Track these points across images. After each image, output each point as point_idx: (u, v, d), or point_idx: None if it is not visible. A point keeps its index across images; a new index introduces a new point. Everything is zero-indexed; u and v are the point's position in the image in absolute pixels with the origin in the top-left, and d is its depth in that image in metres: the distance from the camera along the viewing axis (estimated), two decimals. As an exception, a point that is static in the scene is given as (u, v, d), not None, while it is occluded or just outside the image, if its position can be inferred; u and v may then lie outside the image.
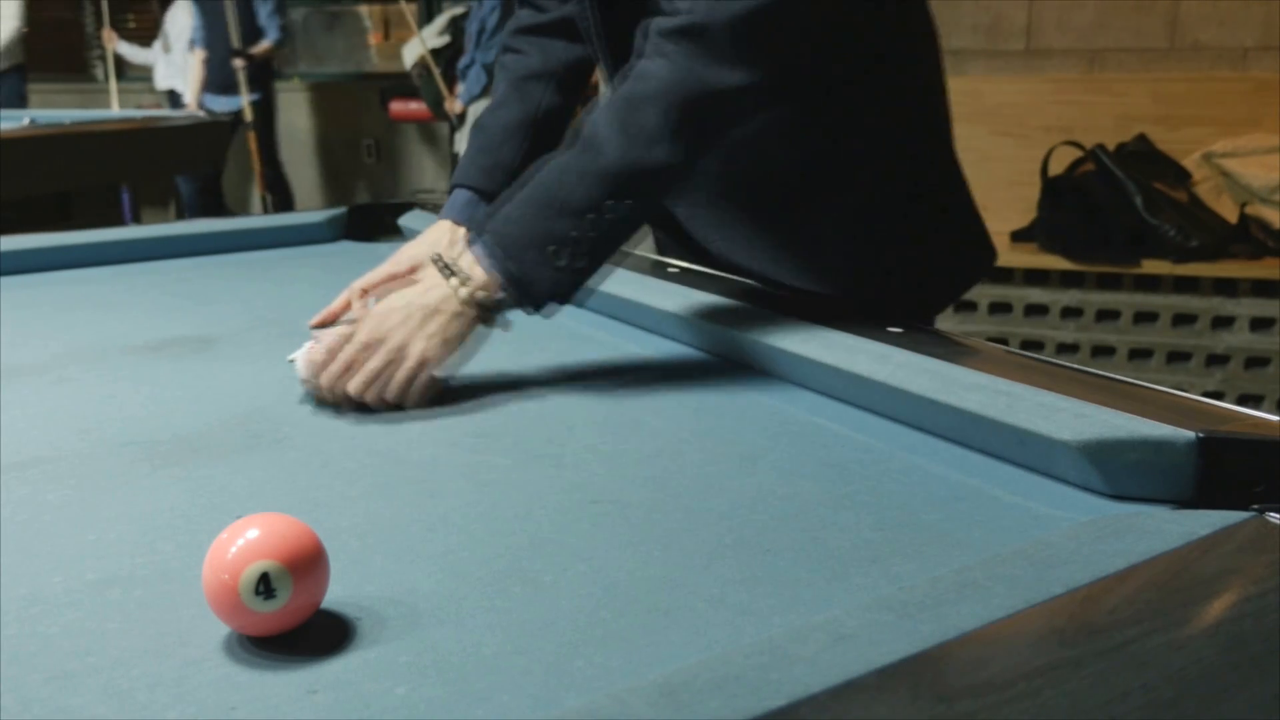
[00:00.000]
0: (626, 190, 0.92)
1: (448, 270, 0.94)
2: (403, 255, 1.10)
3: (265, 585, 0.54)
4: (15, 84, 5.54)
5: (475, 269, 0.93)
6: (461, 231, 1.11)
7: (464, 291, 0.93)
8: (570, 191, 0.92)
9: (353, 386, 0.91)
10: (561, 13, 1.22)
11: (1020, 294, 3.15)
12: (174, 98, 5.89)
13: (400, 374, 0.92)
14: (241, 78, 5.47)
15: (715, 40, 0.91)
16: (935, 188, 1.17)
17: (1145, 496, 0.71)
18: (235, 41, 5.39)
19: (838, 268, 1.14)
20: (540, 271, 0.92)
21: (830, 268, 1.13)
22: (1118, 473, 0.71)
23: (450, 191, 1.23)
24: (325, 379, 0.92)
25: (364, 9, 6.37)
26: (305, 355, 0.94)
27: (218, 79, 5.61)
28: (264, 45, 5.63)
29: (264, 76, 5.74)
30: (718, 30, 0.90)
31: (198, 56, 5.60)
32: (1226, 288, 2.98)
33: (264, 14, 5.61)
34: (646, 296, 1.13)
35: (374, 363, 0.91)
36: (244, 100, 5.48)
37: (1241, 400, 2.95)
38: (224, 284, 1.40)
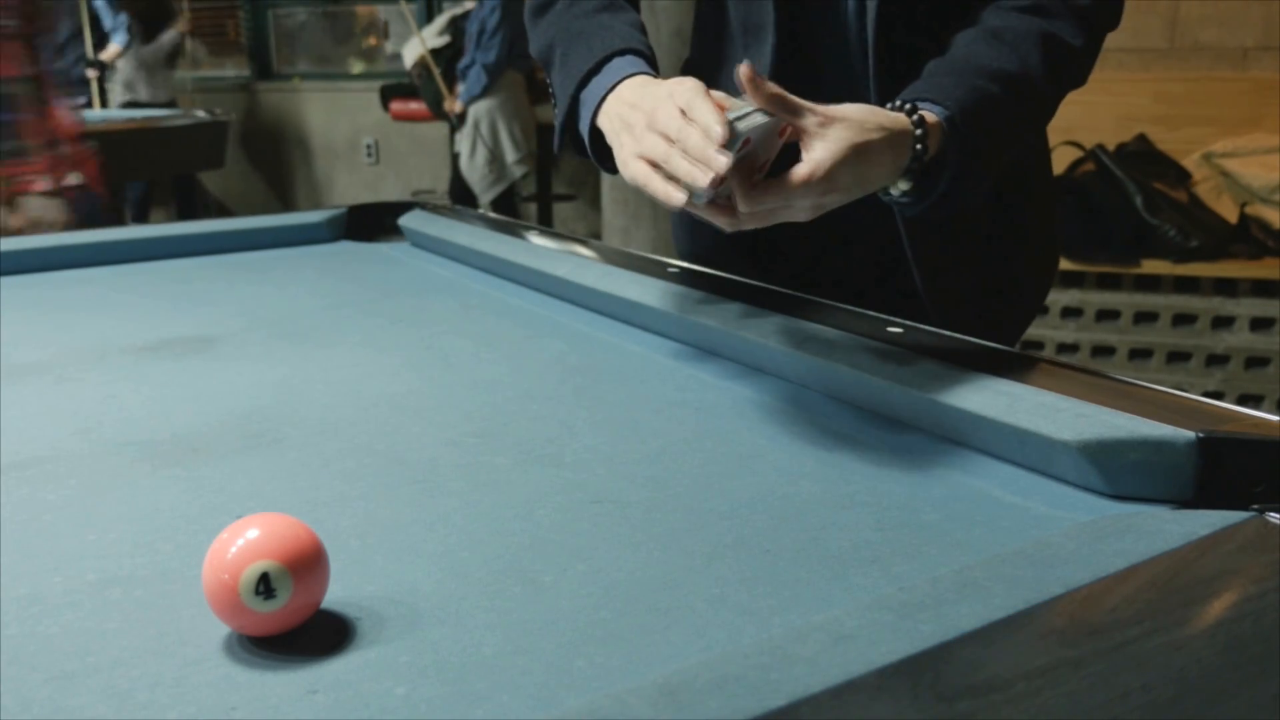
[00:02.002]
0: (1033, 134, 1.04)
1: (916, 127, 0.88)
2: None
3: (265, 585, 0.54)
4: None
5: (933, 133, 0.89)
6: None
7: (918, 149, 0.88)
8: (1016, 120, 0.98)
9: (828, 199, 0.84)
10: None
11: (1020, 294, 3.15)
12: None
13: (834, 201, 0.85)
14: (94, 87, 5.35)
15: (1106, 26, 1.02)
16: (1053, 186, 1.26)
17: (1145, 496, 0.71)
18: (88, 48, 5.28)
19: (1017, 276, 1.19)
20: (976, 173, 0.93)
21: (1013, 276, 1.19)
22: (1118, 473, 0.71)
23: (604, 61, 0.98)
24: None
25: (363, 9, 6.38)
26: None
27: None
28: (111, 50, 5.50)
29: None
30: (1111, 20, 1.02)
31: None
32: (1226, 288, 2.98)
33: (108, 19, 5.49)
34: (647, 296, 1.13)
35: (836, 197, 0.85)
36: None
37: (1241, 400, 2.95)
38: (224, 284, 1.40)
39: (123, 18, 5.53)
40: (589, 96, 0.97)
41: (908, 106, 0.89)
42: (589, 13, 1.06)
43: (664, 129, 0.82)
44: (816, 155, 0.81)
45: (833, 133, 0.82)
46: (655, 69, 0.98)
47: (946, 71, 0.94)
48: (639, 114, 0.86)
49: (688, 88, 0.83)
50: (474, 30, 4.76)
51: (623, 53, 0.98)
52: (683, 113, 0.82)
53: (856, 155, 0.82)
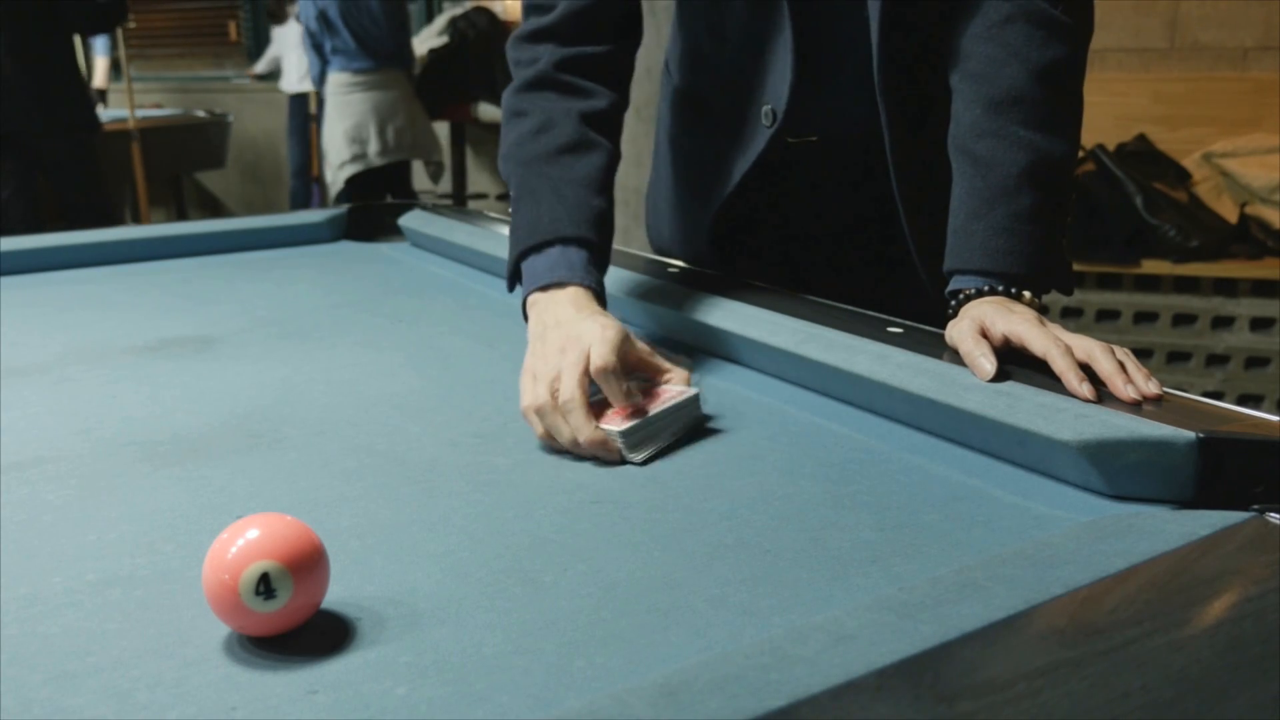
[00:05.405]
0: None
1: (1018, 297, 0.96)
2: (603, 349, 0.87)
3: (265, 585, 0.54)
4: None
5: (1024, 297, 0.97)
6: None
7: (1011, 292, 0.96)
8: (1059, 183, 0.99)
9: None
10: (613, 45, 1.09)
11: (1020, 294, 3.15)
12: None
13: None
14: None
15: (1088, 37, 1.04)
16: None
17: (1145, 497, 0.71)
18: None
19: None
20: (1053, 263, 1.01)
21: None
22: (1118, 473, 0.71)
23: (540, 246, 0.98)
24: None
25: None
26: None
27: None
28: (99, 69, 5.42)
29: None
30: (1089, 26, 1.04)
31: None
32: (1226, 288, 2.98)
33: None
34: (646, 296, 1.13)
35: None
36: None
37: (1241, 400, 2.95)
38: (224, 284, 1.40)
39: None
40: (528, 270, 0.99)
41: (971, 291, 0.94)
42: (551, 154, 1.02)
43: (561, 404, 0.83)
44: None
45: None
46: (597, 252, 0.99)
47: (977, 213, 0.96)
48: (551, 353, 0.87)
49: (603, 359, 0.85)
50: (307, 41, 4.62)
51: (566, 241, 0.98)
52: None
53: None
